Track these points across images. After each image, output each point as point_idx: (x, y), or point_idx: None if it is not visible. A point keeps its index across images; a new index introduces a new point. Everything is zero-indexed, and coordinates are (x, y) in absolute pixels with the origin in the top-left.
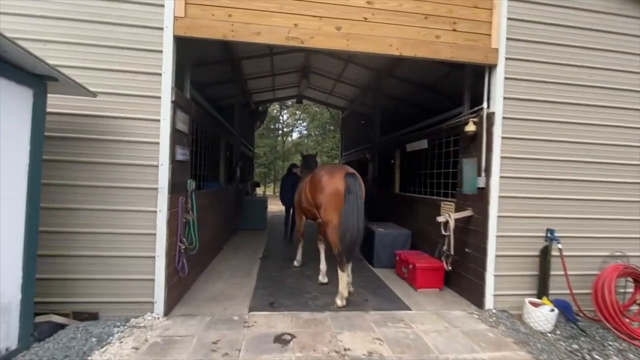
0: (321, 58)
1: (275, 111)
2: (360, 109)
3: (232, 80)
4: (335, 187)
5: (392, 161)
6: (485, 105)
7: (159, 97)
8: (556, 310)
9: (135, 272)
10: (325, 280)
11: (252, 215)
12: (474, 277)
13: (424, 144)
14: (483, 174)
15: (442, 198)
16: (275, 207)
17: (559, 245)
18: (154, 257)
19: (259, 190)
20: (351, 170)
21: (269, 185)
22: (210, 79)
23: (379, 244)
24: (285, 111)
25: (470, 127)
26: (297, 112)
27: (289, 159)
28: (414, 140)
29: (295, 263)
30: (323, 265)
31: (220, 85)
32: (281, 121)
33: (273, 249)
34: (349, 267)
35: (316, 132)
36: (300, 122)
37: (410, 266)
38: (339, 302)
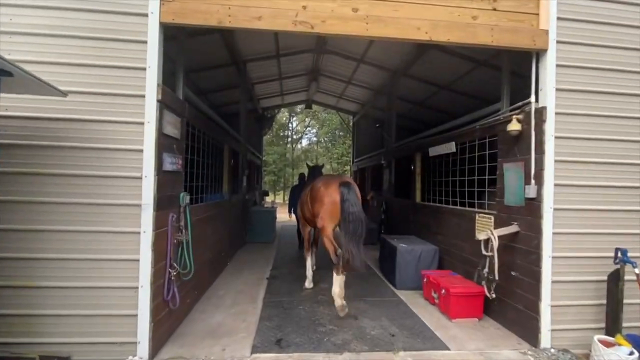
0: (331, 59)
1: (284, 118)
2: (373, 112)
3: (237, 85)
4: (330, 198)
5: (412, 167)
6: (532, 98)
7: (143, 96)
8: (637, 354)
9: (115, 307)
10: (311, 285)
11: (259, 227)
12: (523, 307)
13: (451, 147)
14: (533, 181)
15: (476, 210)
16: (285, 215)
17: (636, 270)
18: (137, 287)
19: (269, 199)
20: (346, 179)
21: (279, 192)
22: (215, 84)
23: (402, 262)
24: (294, 118)
25: (514, 126)
26: (307, 118)
27: (298, 167)
28: (438, 143)
29: (307, 284)
30: (309, 272)
31: (226, 91)
32: (290, 128)
33: (282, 265)
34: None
35: (325, 139)
36: (310, 128)
37: (443, 291)
38: (339, 301)
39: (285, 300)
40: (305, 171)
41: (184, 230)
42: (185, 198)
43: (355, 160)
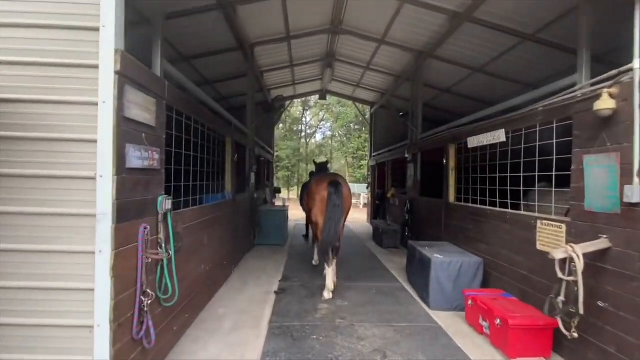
0: (348, 41)
1: (298, 112)
2: (394, 102)
3: (244, 74)
4: (320, 194)
5: (445, 161)
6: (636, 63)
7: (96, 67)
8: None
9: (65, 352)
10: (330, 296)
11: (269, 228)
12: (615, 350)
13: (499, 136)
14: (636, 179)
15: (538, 214)
16: (299, 212)
17: None
18: (92, 327)
19: (281, 196)
20: (337, 179)
21: (293, 188)
22: (220, 72)
23: (438, 277)
24: (308, 112)
25: (605, 104)
26: (321, 112)
27: (312, 162)
28: (481, 132)
29: (325, 295)
30: (329, 281)
31: (234, 81)
32: (304, 122)
33: (293, 275)
34: (334, 262)
35: (340, 133)
36: (324, 122)
37: (498, 321)
38: (326, 295)
39: (295, 325)
40: (314, 168)
41: (164, 245)
42: (165, 203)
43: (373, 155)
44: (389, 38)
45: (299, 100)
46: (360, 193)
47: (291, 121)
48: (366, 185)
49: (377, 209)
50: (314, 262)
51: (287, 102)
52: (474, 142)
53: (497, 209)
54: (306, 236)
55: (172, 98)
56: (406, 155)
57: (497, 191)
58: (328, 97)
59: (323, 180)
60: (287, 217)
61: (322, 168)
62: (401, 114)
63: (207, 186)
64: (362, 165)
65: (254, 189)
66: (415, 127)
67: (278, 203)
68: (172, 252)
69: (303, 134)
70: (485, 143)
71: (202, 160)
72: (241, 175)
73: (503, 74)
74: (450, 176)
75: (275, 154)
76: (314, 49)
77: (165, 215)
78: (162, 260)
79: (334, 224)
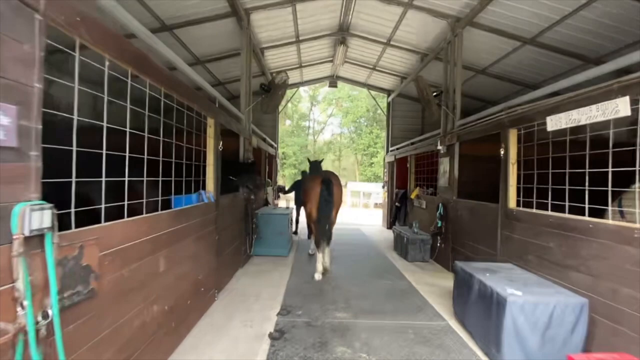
0: (366, 7)
1: (305, 108)
2: (418, 88)
3: (237, 52)
4: (314, 190)
5: (502, 152)
6: None
7: None
8: None
9: None
10: (320, 277)
11: (269, 236)
12: None
13: (616, 107)
14: None
15: None
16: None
17: None
18: None
19: (287, 196)
20: (328, 177)
21: None
22: (212, 47)
23: (516, 326)
24: (315, 107)
25: None
26: (329, 107)
27: (306, 160)
28: (575, 105)
29: (316, 276)
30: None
31: (230, 60)
32: (312, 118)
33: (297, 304)
34: (327, 249)
35: (350, 129)
36: (333, 117)
37: None
38: (317, 276)
39: None
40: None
41: (23, 301)
42: (33, 217)
43: (390, 149)
44: (418, 0)
45: (306, 92)
46: (371, 192)
47: (298, 117)
48: (382, 184)
49: (397, 211)
50: (310, 252)
51: (287, 76)
52: (559, 122)
53: (611, 222)
54: (295, 232)
55: (61, 14)
56: (438, 147)
57: (587, 194)
58: (339, 85)
59: (316, 178)
60: (292, 221)
61: (315, 166)
62: (435, 92)
63: (168, 185)
64: (373, 163)
65: (252, 188)
66: (452, 112)
67: (282, 204)
68: (53, 312)
69: (311, 130)
70: (584, 122)
71: (157, 145)
72: (231, 170)
73: (563, 45)
74: (510, 173)
75: (282, 150)
76: (324, 19)
77: (39, 239)
78: (24, 334)
79: (326, 218)
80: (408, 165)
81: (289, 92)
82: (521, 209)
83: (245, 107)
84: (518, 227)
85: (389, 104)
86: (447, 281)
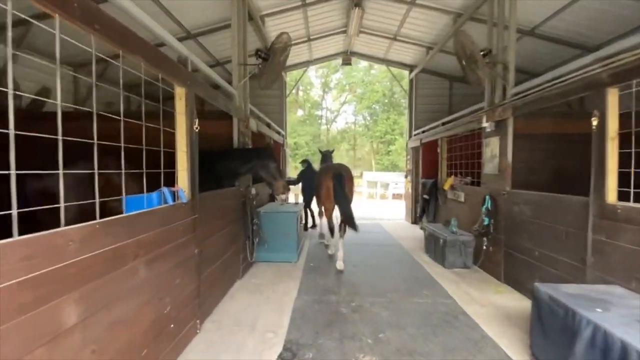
0: None
1: (317, 96)
2: (442, 62)
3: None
4: (326, 185)
5: (596, 124)
6: None
7: None
8: None
9: None
10: (343, 266)
11: (274, 238)
12: None
13: None
14: None
15: None
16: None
17: None
18: None
19: (294, 191)
20: (339, 171)
21: None
22: (201, 14)
23: None
24: (328, 94)
25: None
26: (343, 93)
27: (334, 149)
28: None
29: (338, 265)
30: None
31: (221, 34)
32: (324, 107)
33: (307, 340)
34: (344, 235)
35: (365, 116)
36: (347, 104)
37: None
38: (340, 265)
39: None
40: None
41: None
42: None
43: (414, 133)
44: None
45: (318, 79)
46: (388, 182)
47: (310, 105)
48: (404, 173)
49: (425, 205)
50: (329, 252)
51: (286, 37)
52: None
53: None
54: (305, 225)
55: None
56: (483, 125)
57: None
58: (353, 70)
59: (328, 172)
60: (301, 219)
61: (326, 157)
62: (483, 52)
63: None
64: (390, 151)
65: (251, 180)
66: (505, 79)
67: (291, 198)
68: None
69: (324, 119)
70: None
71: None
72: (221, 160)
73: None
74: (608, 153)
75: (293, 140)
76: None
77: None
78: None
79: (345, 209)
80: (439, 150)
81: (296, 74)
82: (629, 204)
83: (238, 81)
84: (625, 230)
85: (411, 81)
86: (502, 298)
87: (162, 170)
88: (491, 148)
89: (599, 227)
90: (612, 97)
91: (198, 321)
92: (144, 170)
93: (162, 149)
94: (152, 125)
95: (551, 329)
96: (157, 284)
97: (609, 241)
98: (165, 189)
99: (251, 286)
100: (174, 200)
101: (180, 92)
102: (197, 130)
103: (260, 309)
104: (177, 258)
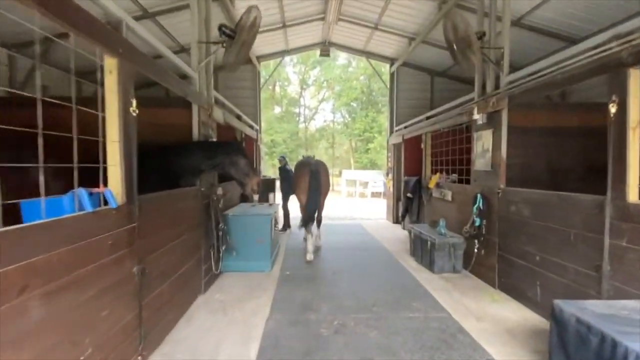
0: None
1: (295, 93)
2: (423, 56)
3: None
4: (303, 179)
5: (614, 109)
6: None
7: None
8: None
9: None
10: (312, 258)
11: (244, 244)
12: None
13: None
14: None
15: None
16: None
17: None
18: None
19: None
20: (315, 168)
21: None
22: None
23: None
24: (306, 91)
25: None
26: (321, 90)
27: (312, 147)
28: None
29: (308, 257)
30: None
31: (185, 14)
32: (302, 104)
33: None
34: (315, 230)
35: (344, 113)
36: (325, 101)
37: None
38: (309, 257)
39: None
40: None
41: None
42: None
43: (395, 129)
44: None
45: (296, 75)
46: (368, 181)
47: (287, 102)
48: (385, 171)
49: (409, 204)
50: (308, 259)
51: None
52: None
53: None
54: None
55: None
56: (474, 117)
57: None
58: (330, 64)
59: (305, 167)
60: (277, 221)
61: (306, 159)
62: (479, 36)
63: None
64: (369, 149)
65: (214, 180)
66: (498, 65)
67: (255, 202)
68: None
69: (302, 117)
70: None
71: None
72: (176, 155)
73: None
74: (630, 144)
75: (270, 137)
76: None
77: None
78: None
79: (313, 204)
80: (423, 146)
81: (271, 64)
82: None
83: (198, 62)
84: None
85: (392, 75)
86: (500, 308)
87: (75, 164)
88: (483, 142)
89: (619, 230)
90: (635, 80)
91: (139, 358)
92: (45, 165)
93: (75, 136)
94: (66, 104)
95: (580, 353)
96: (69, 321)
97: (632, 247)
98: (81, 190)
99: (214, 303)
100: (96, 205)
101: (110, 64)
102: (135, 114)
103: (223, 335)
104: (103, 282)
